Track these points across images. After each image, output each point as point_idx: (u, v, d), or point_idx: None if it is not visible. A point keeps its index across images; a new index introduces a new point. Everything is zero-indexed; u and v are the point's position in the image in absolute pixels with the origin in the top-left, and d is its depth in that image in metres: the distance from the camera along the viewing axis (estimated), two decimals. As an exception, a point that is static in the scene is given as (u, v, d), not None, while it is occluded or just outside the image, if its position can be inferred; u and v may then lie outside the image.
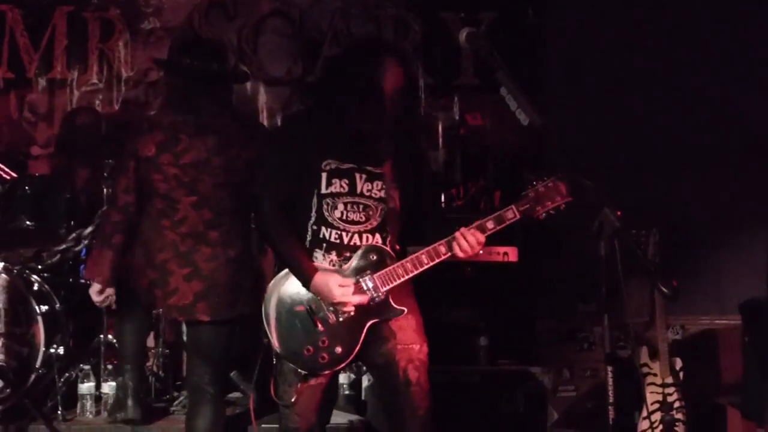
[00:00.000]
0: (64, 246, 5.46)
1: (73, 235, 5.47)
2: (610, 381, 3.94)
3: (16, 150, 6.56)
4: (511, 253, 5.55)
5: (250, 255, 4.40)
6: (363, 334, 3.68)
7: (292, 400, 3.74)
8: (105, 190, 5.49)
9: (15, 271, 5.27)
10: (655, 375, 5.29)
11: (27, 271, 5.37)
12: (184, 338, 4.75)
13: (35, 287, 5.32)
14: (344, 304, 3.62)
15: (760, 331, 5.32)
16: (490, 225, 3.69)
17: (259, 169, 3.92)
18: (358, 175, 3.73)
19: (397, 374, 3.76)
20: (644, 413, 5.26)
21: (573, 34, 6.44)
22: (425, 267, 3.67)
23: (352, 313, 3.65)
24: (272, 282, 3.74)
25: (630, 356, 5.63)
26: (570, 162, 3.22)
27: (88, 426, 5.11)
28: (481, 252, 3.75)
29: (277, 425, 3.97)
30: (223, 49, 4.84)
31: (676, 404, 5.27)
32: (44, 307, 5.24)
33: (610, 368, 3.96)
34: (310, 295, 3.67)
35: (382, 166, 3.76)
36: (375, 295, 3.65)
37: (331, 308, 3.64)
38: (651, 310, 5.45)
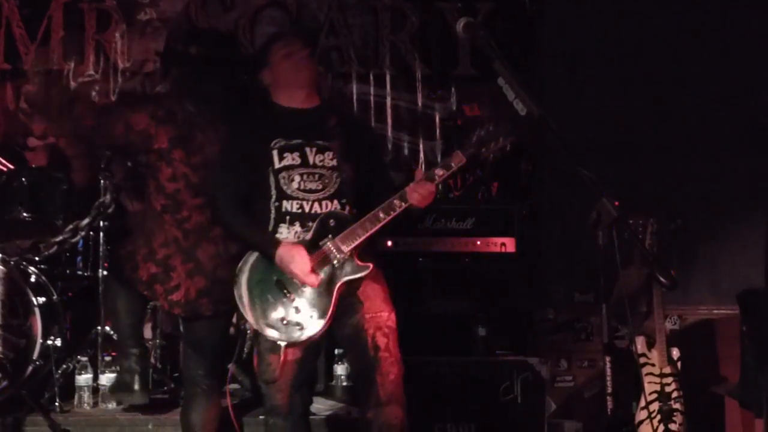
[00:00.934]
0: (61, 237, 5.43)
1: (70, 226, 5.44)
2: (608, 371, 3.95)
3: (13, 141, 6.54)
4: (509, 244, 5.55)
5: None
6: (334, 297, 3.77)
7: (275, 375, 3.82)
8: (102, 181, 5.46)
9: (12, 262, 5.25)
10: (653, 365, 5.29)
11: (24, 263, 5.36)
12: (182, 330, 4.73)
13: (32, 279, 5.31)
14: (308, 272, 3.73)
15: (757, 320, 5.33)
16: (439, 172, 3.76)
17: (212, 168, 4.05)
18: (308, 149, 3.90)
19: (366, 342, 3.85)
20: (642, 403, 5.27)
21: (570, 24, 6.43)
22: (383, 222, 3.77)
23: (319, 279, 3.74)
24: (239, 265, 3.86)
25: (628, 346, 5.63)
26: (568, 151, 3.21)
27: (85, 417, 5.09)
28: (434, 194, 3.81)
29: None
30: (230, 36, 4.82)
31: (674, 394, 5.27)
32: (41, 299, 5.22)
33: (608, 358, 3.97)
34: (276, 267, 3.77)
35: (331, 140, 3.91)
36: (339, 256, 3.76)
37: (298, 277, 3.74)
38: (649, 300, 5.45)
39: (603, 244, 3.67)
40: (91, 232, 5.62)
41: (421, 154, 6.70)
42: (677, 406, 5.26)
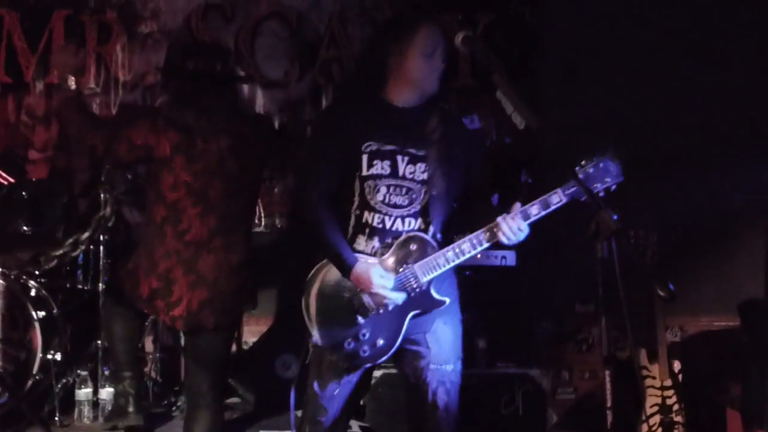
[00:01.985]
0: (61, 251, 5.45)
1: (71, 239, 5.46)
2: (608, 384, 3.94)
3: (14, 154, 6.54)
4: (509, 257, 5.54)
5: (253, 257, 4.39)
6: (405, 326, 3.59)
7: (334, 393, 3.68)
8: (102, 195, 5.48)
9: (12, 276, 5.27)
10: (653, 377, 5.27)
11: (24, 276, 5.37)
12: (182, 343, 4.73)
13: (32, 292, 5.32)
14: (383, 296, 3.53)
15: (759, 331, 5.32)
16: (533, 210, 3.52)
17: (303, 158, 3.86)
18: (399, 158, 3.63)
19: (425, 396, 3.69)
20: (643, 416, 5.25)
21: (570, 36, 6.43)
22: (467, 255, 3.57)
23: (392, 305, 3.56)
24: (312, 272, 3.65)
25: (628, 358, 5.62)
26: (567, 164, 3.21)
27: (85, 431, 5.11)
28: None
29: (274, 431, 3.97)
30: (225, 50, 4.84)
31: (675, 406, 5.25)
32: (41, 313, 5.23)
33: (608, 372, 3.96)
34: (350, 284, 3.58)
35: (427, 148, 3.64)
36: (416, 285, 3.57)
37: (371, 299, 3.55)
38: (649, 312, 5.43)
39: (603, 256, 3.67)
40: (92, 246, 5.62)
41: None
42: (678, 418, 5.23)
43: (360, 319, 3.57)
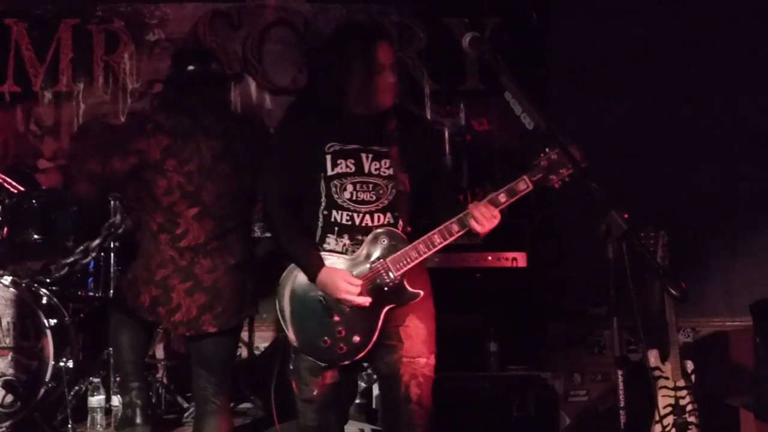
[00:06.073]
0: (72, 259, 5.44)
1: (81, 247, 5.45)
2: (621, 385, 3.92)
3: (23, 163, 6.56)
4: (520, 259, 5.54)
5: (252, 257, 4.39)
6: (380, 321, 3.62)
7: (313, 394, 3.72)
8: (112, 202, 5.48)
9: (23, 284, 5.27)
10: (666, 378, 5.26)
11: (35, 285, 5.37)
12: (188, 349, 4.73)
13: (44, 300, 5.32)
14: (349, 301, 3.56)
15: (771, 332, 5.30)
16: (502, 198, 3.55)
17: (264, 164, 3.87)
18: (363, 155, 3.68)
19: (399, 389, 3.71)
20: (656, 417, 5.23)
21: (577, 38, 6.44)
22: (438, 247, 3.59)
23: (368, 301, 3.58)
24: (284, 274, 3.69)
25: (641, 359, 5.60)
26: (576, 164, 3.21)
27: (98, 439, 5.11)
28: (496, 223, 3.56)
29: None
30: (209, 51, 4.85)
31: (689, 407, 5.24)
32: (53, 321, 5.22)
33: (620, 372, 3.95)
34: None
35: (389, 146, 3.69)
36: (389, 279, 3.59)
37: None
38: (661, 313, 5.42)
39: (613, 257, 3.66)
40: (102, 253, 5.62)
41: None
42: (692, 419, 5.22)
43: (335, 317, 3.61)
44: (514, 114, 3.08)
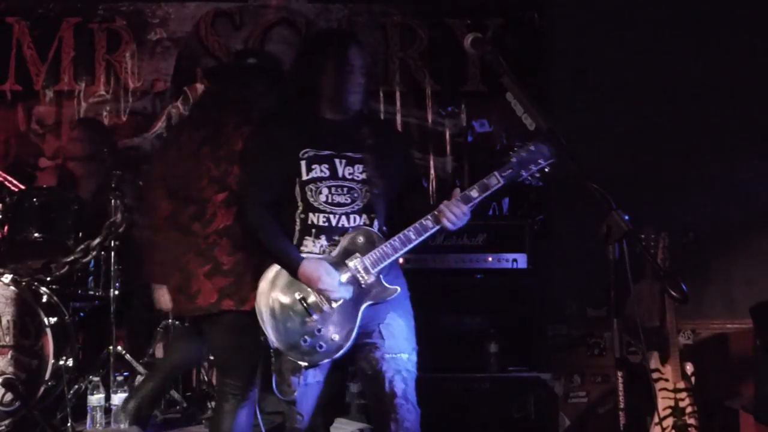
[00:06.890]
0: (72, 257, 5.44)
1: (82, 246, 5.46)
2: (621, 386, 3.92)
3: (24, 162, 6.57)
4: (521, 260, 5.54)
5: None
6: (359, 318, 3.66)
7: (294, 396, 3.73)
8: (113, 201, 5.48)
9: (24, 283, 5.27)
10: (666, 380, 5.26)
11: (36, 283, 5.37)
12: (208, 340, 4.64)
13: (44, 299, 5.32)
14: (331, 291, 3.62)
15: (771, 334, 5.30)
16: (474, 194, 3.64)
17: (241, 170, 3.94)
18: (337, 161, 3.76)
19: (383, 386, 3.72)
20: (656, 419, 5.24)
21: (579, 39, 6.44)
22: (414, 243, 3.66)
23: (342, 300, 3.64)
24: (262, 277, 3.72)
25: (641, 361, 5.60)
26: (577, 166, 3.21)
27: (98, 438, 5.11)
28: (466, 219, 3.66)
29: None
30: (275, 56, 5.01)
31: (688, 409, 5.24)
32: (53, 319, 5.23)
33: (620, 373, 3.94)
34: (300, 284, 3.66)
35: (362, 152, 3.78)
36: (366, 276, 3.66)
37: (321, 296, 3.64)
38: (661, 315, 5.42)
39: (614, 259, 3.66)
40: (103, 252, 5.61)
41: (432, 171, 6.70)
42: (691, 421, 5.22)
43: (314, 316, 3.64)
44: (515, 114, 3.08)
